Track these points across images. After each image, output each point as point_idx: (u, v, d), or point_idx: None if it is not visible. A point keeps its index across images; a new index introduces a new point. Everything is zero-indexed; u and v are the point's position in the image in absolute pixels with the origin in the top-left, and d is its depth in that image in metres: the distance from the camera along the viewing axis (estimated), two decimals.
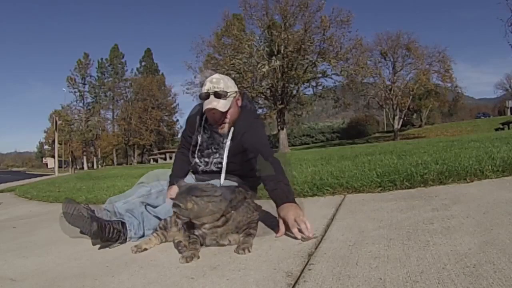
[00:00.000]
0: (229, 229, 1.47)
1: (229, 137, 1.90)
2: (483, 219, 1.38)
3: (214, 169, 1.99)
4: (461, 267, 0.97)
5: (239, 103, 1.94)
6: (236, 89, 1.90)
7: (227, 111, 1.83)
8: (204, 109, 1.84)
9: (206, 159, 2.04)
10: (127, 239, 1.73)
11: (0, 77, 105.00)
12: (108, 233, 1.67)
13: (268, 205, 2.26)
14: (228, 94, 1.82)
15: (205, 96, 1.81)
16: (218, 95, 1.79)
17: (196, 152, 2.06)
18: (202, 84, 1.92)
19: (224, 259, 1.30)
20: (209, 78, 1.87)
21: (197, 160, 2.06)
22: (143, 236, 1.75)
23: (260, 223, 1.78)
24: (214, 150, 2.00)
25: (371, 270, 1.03)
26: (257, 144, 1.83)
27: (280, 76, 22.10)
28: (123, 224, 1.74)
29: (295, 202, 1.57)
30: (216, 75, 1.90)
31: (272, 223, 1.75)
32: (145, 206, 1.88)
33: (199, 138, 2.04)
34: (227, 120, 1.87)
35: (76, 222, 1.87)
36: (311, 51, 22.36)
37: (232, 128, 1.89)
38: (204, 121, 2.03)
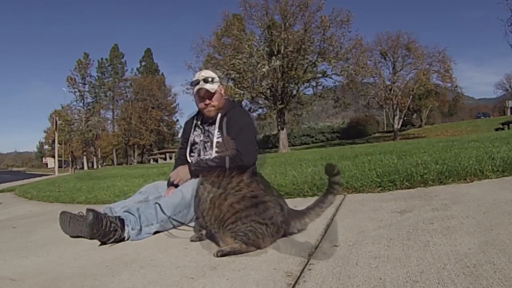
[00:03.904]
0: None
1: (217, 124, 2.13)
2: (483, 219, 1.38)
3: None
4: (461, 267, 0.97)
5: (223, 93, 2.22)
6: (219, 81, 2.22)
7: (213, 94, 2.12)
8: (194, 91, 2.15)
9: (197, 157, 2.15)
10: (125, 235, 1.74)
11: (0, 76, 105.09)
12: (104, 226, 1.67)
13: None
14: (215, 80, 2.14)
15: (196, 82, 2.13)
16: (206, 80, 2.11)
17: (188, 151, 2.18)
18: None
19: (224, 259, 1.30)
20: (198, 72, 2.22)
21: (189, 160, 2.17)
22: (140, 231, 1.76)
23: None
24: (205, 145, 2.15)
25: (371, 270, 1.03)
26: (236, 132, 2.03)
27: (280, 76, 22.10)
28: (121, 220, 1.74)
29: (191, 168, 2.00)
30: (204, 70, 2.27)
31: None
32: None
33: (193, 138, 2.22)
34: (213, 104, 2.13)
35: (74, 230, 1.89)
36: (311, 51, 22.35)
37: (219, 115, 2.12)
38: (196, 118, 2.25)
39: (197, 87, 2.12)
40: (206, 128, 2.17)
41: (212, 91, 2.11)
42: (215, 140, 2.08)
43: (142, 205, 1.90)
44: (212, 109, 2.13)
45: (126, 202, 2.04)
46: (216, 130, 2.09)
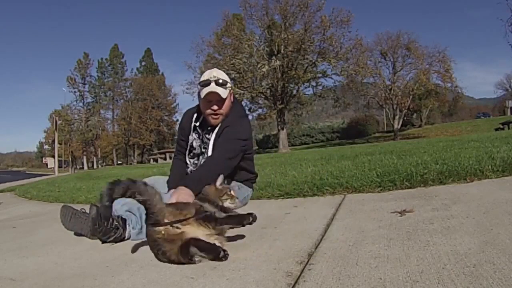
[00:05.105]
0: None
1: (215, 132, 1.97)
2: (483, 219, 1.38)
3: None
4: (461, 267, 0.97)
5: (232, 98, 2.04)
6: (231, 84, 2.01)
7: (224, 100, 1.92)
8: (205, 93, 1.90)
9: (196, 161, 2.09)
10: (126, 235, 1.74)
11: (0, 76, 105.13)
12: (107, 223, 1.67)
13: (266, 205, 2.26)
14: (227, 85, 1.93)
15: (206, 83, 1.90)
16: (218, 83, 1.89)
17: (187, 154, 2.11)
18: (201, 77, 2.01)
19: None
20: (208, 70, 1.99)
21: (188, 161, 2.12)
22: (141, 230, 1.76)
23: (259, 222, 1.78)
24: (203, 151, 2.04)
25: (371, 270, 1.03)
26: (227, 137, 1.89)
27: (280, 76, 22.14)
28: (123, 220, 1.74)
29: (188, 187, 1.57)
30: (215, 69, 2.02)
31: (272, 223, 1.75)
32: None
33: (191, 141, 2.11)
34: (221, 111, 1.95)
35: (74, 226, 1.89)
36: (311, 51, 22.40)
37: (219, 124, 1.97)
38: (195, 120, 2.10)
39: (207, 89, 1.89)
40: (205, 136, 2.05)
41: (224, 96, 1.90)
42: (210, 147, 1.98)
43: None
44: (220, 117, 1.96)
45: (126, 199, 2.01)
46: (213, 137, 1.98)
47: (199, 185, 1.59)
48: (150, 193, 1.31)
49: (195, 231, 1.27)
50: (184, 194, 1.53)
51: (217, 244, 1.31)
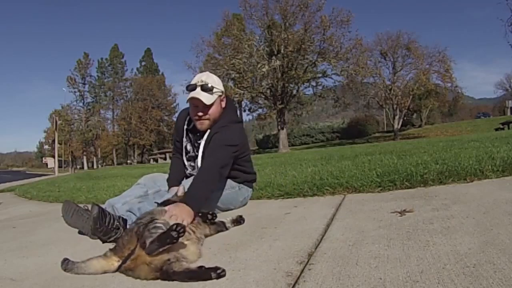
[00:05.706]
0: None
1: (204, 138, 1.94)
2: (483, 219, 1.38)
3: None
4: (461, 267, 0.97)
5: (223, 104, 1.99)
6: (223, 90, 1.95)
7: (209, 106, 1.88)
8: (188, 98, 1.90)
9: (192, 163, 2.09)
10: None
11: (0, 76, 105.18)
12: (108, 223, 1.67)
13: (267, 205, 2.26)
14: (214, 90, 1.88)
15: (192, 88, 1.89)
16: (204, 88, 1.86)
17: (184, 156, 2.11)
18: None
19: (224, 259, 1.30)
20: (199, 74, 1.97)
21: (186, 163, 2.12)
22: None
23: (259, 222, 1.78)
24: (197, 154, 2.03)
25: (371, 270, 1.03)
26: (216, 145, 1.84)
27: (280, 76, 22.11)
28: (124, 220, 1.75)
29: (186, 204, 1.52)
30: (206, 72, 1.99)
31: (271, 223, 1.75)
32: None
33: (184, 143, 2.11)
34: (208, 117, 1.92)
35: (76, 223, 1.89)
36: (311, 51, 22.37)
37: (209, 130, 1.94)
38: (187, 124, 2.08)
39: (191, 94, 1.87)
40: (196, 141, 2.04)
41: (208, 103, 1.86)
42: (200, 153, 1.97)
43: (143, 203, 1.89)
44: (206, 122, 1.92)
45: (126, 197, 2.00)
46: (203, 143, 1.96)
47: (199, 203, 1.59)
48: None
49: (146, 256, 1.21)
50: (183, 212, 1.47)
51: (197, 254, 1.30)
